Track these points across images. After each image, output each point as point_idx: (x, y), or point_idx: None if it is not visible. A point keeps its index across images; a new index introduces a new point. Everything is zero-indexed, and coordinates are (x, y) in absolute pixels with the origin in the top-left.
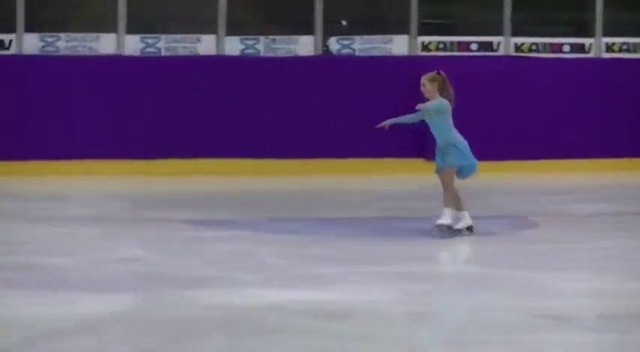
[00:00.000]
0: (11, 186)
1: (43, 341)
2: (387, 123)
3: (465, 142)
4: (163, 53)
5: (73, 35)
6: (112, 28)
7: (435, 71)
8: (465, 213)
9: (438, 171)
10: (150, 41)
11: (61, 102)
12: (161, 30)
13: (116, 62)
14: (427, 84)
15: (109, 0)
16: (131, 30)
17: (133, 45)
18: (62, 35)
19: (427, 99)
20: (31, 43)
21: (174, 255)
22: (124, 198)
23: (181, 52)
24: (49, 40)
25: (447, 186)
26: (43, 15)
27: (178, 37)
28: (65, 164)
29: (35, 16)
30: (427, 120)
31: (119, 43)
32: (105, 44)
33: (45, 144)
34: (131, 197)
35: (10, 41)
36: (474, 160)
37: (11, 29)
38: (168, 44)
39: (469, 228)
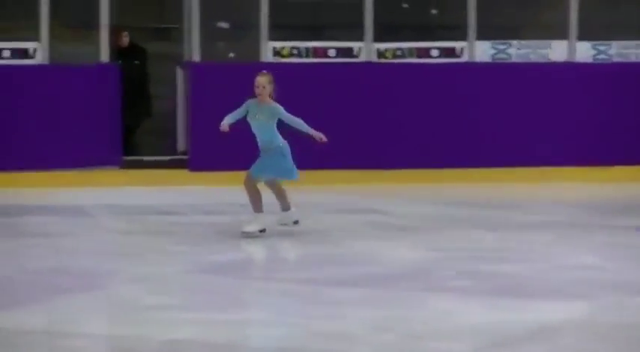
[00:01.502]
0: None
1: (493, 348)
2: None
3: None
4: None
5: (524, 42)
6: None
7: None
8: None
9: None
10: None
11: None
12: None
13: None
14: (268, 86)
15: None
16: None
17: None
18: (514, 42)
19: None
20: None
21: (627, 262)
22: (576, 204)
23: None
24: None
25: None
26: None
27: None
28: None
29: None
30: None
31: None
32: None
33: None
34: (581, 203)
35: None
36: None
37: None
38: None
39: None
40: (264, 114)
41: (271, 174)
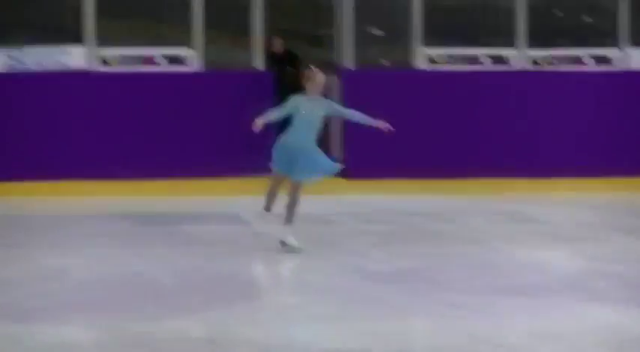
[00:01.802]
0: None
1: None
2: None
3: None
4: None
5: None
6: None
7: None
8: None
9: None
10: None
11: None
12: None
13: None
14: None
15: None
16: None
17: None
18: None
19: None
20: None
21: None
22: None
23: None
24: None
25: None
26: None
27: None
28: None
29: None
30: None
31: None
32: None
33: None
34: None
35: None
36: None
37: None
38: None
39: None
40: (321, 109)
41: (320, 173)
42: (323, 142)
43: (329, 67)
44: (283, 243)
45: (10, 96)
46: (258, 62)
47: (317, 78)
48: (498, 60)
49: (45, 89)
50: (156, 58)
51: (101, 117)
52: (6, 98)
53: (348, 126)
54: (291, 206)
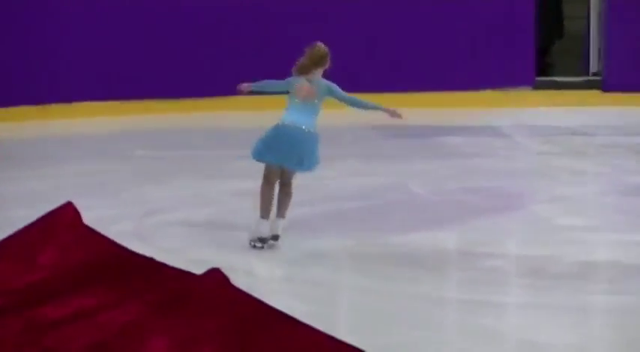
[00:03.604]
0: None
1: None
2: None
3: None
4: None
5: None
6: None
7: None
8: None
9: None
10: None
11: None
12: None
13: None
14: None
15: None
16: None
17: None
18: None
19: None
20: None
21: None
22: None
23: None
24: None
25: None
26: None
27: None
28: None
29: None
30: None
31: None
32: None
33: None
34: None
35: None
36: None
37: None
38: None
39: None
40: (321, 91)
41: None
42: (582, 54)
43: None
44: (276, 237)
45: (10, 14)
46: None
47: (319, 52)
48: None
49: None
50: None
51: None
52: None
53: (610, 37)
54: (287, 198)
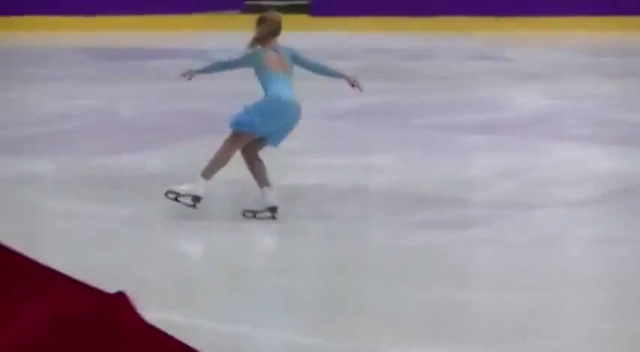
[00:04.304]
0: None
1: (619, 194)
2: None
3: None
4: None
5: None
6: None
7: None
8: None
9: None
10: None
11: None
12: None
13: None
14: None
15: None
16: None
17: None
18: None
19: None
20: None
21: None
22: None
23: None
24: None
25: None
26: None
27: None
28: None
29: None
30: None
31: None
32: None
33: None
34: None
35: None
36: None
37: None
38: None
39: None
40: (289, 60)
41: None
42: None
43: None
44: (273, 209)
45: None
46: None
47: (275, 19)
48: None
49: None
50: None
51: None
52: None
53: None
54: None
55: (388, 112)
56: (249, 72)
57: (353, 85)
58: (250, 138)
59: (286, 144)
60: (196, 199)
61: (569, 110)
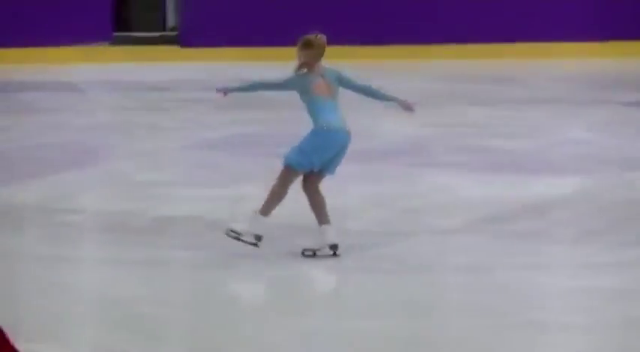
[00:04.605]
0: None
1: (489, 223)
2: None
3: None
4: None
5: None
6: None
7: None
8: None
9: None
10: None
11: None
12: None
13: None
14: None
15: None
16: None
17: None
18: None
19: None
20: None
21: (624, 138)
22: (574, 79)
23: None
24: None
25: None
26: None
27: None
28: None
29: None
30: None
31: None
32: None
33: None
34: (580, 78)
35: None
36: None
37: None
38: None
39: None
40: (334, 84)
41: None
42: (158, 9)
43: None
44: (334, 246)
45: None
46: None
47: (322, 43)
48: None
49: None
50: None
51: None
52: None
53: None
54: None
55: (258, 142)
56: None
57: (406, 109)
58: (305, 171)
59: (154, 175)
60: (258, 238)
61: (440, 137)
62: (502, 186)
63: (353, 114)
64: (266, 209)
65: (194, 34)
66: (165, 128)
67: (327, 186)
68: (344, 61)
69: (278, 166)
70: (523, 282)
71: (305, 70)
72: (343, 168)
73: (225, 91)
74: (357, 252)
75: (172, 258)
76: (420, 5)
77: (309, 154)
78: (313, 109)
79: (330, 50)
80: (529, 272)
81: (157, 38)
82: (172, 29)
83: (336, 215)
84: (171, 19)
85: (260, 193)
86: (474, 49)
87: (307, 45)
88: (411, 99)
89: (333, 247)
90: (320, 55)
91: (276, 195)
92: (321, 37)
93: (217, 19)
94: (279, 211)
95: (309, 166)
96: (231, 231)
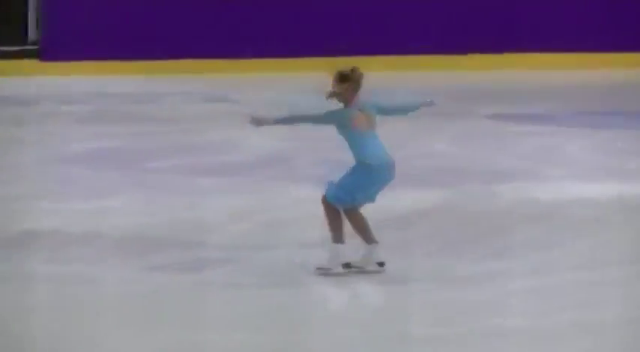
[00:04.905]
0: None
1: (353, 236)
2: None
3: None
4: None
5: None
6: None
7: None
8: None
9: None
10: None
11: None
12: None
13: None
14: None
15: None
16: None
17: None
18: None
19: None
20: None
21: (479, 149)
22: (434, 91)
23: None
24: None
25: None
26: None
27: None
28: None
29: None
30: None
31: None
32: None
33: None
34: (441, 91)
35: None
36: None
37: None
38: None
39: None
40: (373, 115)
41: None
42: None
43: None
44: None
45: None
46: None
47: (358, 77)
48: None
49: None
50: None
51: None
52: None
53: (48, 2)
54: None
55: (121, 156)
56: None
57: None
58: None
59: (17, 188)
60: (347, 265)
61: (303, 151)
62: None
63: (213, 127)
64: (336, 238)
65: (55, 48)
66: (26, 142)
67: (187, 200)
68: (209, 73)
69: (143, 179)
70: (383, 294)
71: (342, 105)
72: (203, 180)
73: (260, 123)
74: (220, 267)
75: (33, 272)
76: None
77: (352, 192)
78: (354, 144)
79: (197, 63)
80: (389, 285)
81: (18, 52)
82: (34, 43)
83: (197, 229)
84: (32, 33)
85: (123, 207)
86: (331, 62)
87: (344, 78)
88: (270, 111)
89: (380, 264)
90: (357, 88)
91: (334, 225)
92: (358, 70)
93: (79, 32)
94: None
95: (351, 203)
96: (319, 268)
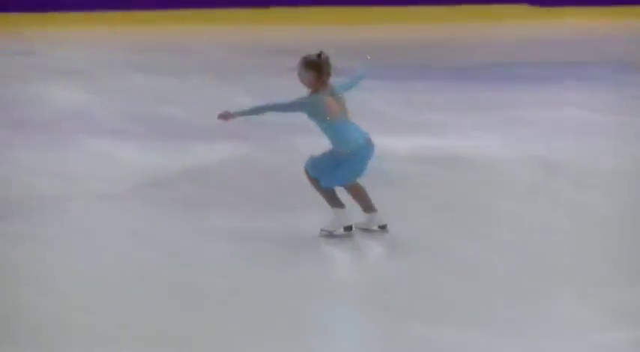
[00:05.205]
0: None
1: (151, 187)
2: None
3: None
4: None
5: None
6: None
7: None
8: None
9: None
10: None
11: None
12: None
13: None
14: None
15: None
16: None
17: None
18: None
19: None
20: None
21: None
22: (232, 47)
23: None
24: None
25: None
26: None
27: None
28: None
29: None
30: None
31: None
32: None
33: None
34: (236, 47)
35: None
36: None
37: None
38: None
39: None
40: (343, 98)
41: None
42: None
43: None
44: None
45: None
46: None
47: (327, 60)
48: None
49: None
50: None
51: None
52: None
53: None
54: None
55: None
56: None
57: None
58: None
59: None
60: (348, 228)
61: (104, 105)
62: (163, 152)
63: (17, 82)
64: (331, 203)
65: None
66: None
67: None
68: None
69: None
70: (187, 248)
71: (318, 91)
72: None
73: (228, 117)
74: (18, 220)
75: None
76: None
77: (336, 178)
78: (328, 133)
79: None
80: (192, 238)
81: None
82: None
83: None
84: None
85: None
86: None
87: (311, 65)
88: (76, 67)
89: (382, 227)
90: (329, 73)
91: (322, 193)
92: (324, 54)
93: None
94: None
95: (336, 184)
96: (323, 230)
